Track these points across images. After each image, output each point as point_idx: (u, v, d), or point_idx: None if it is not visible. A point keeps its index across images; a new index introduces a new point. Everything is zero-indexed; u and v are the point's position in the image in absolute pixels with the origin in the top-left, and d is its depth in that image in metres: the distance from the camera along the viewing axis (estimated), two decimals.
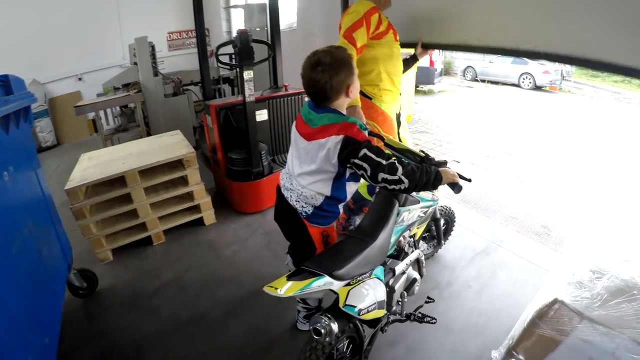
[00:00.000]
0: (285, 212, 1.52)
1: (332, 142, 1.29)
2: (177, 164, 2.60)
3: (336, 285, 1.23)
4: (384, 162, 1.26)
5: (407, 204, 1.63)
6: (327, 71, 1.29)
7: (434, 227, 2.17)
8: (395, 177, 1.26)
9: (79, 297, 2.13)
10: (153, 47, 4.37)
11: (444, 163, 1.53)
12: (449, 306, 2.05)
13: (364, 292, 1.30)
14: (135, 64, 4.32)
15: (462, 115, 7.93)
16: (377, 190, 1.70)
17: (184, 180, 2.63)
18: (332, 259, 1.27)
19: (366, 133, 1.34)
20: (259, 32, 4.28)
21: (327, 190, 1.39)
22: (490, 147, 5.54)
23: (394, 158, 1.30)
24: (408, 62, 2.46)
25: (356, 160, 1.27)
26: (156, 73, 4.22)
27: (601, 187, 4.38)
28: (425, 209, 1.82)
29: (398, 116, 2.40)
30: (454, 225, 2.43)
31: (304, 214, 1.44)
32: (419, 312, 1.72)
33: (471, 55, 19.51)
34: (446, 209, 2.31)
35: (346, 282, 1.27)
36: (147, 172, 2.50)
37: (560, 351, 1.09)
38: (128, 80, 4.46)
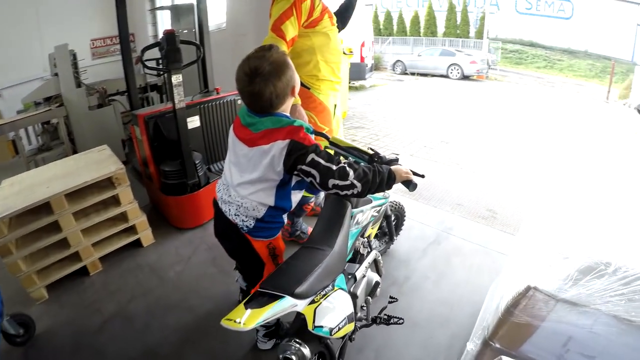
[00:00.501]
0: (224, 228, 1.38)
1: (277, 148, 1.18)
2: (106, 182, 2.34)
3: (300, 305, 1.11)
4: (333, 167, 1.17)
5: (360, 204, 1.56)
6: (268, 80, 1.16)
7: (385, 224, 2.12)
8: (347, 182, 1.17)
9: (17, 346, 1.84)
10: (75, 56, 3.96)
11: (395, 160, 1.46)
12: (410, 301, 2.01)
13: (332, 307, 1.20)
14: (57, 75, 3.90)
15: (395, 108, 8.12)
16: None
17: (115, 200, 2.37)
18: (290, 276, 1.14)
19: (312, 136, 1.23)
20: (186, 34, 4.03)
21: (271, 200, 1.27)
22: (427, 138, 5.70)
23: (344, 161, 1.20)
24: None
25: (304, 167, 1.17)
26: (79, 84, 3.82)
27: (537, 167, 4.65)
28: (378, 208, 1.76)
29: (335, 107, 2.28)
30: (404, 220, 2.41)
31: (245, 228, 1.31)
32: (385, 314, 1.65)
33: (400, 49, 20.40)
34: (396, 204, 2.27)
35: (310, 299, 1.15)
36: (74, 194, 2.22)
37: (538, 335, 1.09)
38: (49, 94, 4.01)
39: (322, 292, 1.20)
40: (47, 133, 4.03)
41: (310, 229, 2.43)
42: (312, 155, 1.16)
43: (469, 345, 1.34)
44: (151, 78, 4.46)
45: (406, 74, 15.75)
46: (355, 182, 1.17)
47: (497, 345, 1.18)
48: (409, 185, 1.36)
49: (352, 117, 6.86)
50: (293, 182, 1.29)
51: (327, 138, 1.62)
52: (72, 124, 3.78)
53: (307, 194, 2.14)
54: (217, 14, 4.26)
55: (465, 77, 15.00)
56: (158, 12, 5.07)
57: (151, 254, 2.46)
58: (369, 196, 1.63)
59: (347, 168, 1.18)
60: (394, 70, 16.39)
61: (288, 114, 1.29)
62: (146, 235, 2.52)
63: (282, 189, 1.27)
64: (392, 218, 2.14)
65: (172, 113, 2.42)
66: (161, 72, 2.44)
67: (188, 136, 2.50)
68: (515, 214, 3.14)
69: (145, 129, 2.55)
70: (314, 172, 1.16)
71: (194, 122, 2.73)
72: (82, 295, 2.19)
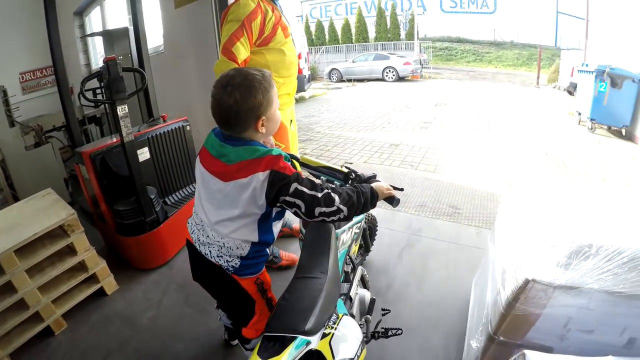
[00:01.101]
0: (206, 271, 1.29)
1: (258, 181, 1.10)
2: (58, 230, 2.13)
3: (314, 341, 1.05)
4: (319, 194, 1.12)
5: (342, 224, 1.53)
6: (236, 92, 1.09)
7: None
8: (333, 208, 1.12)
9: None
10: (5, 92, 3.62)
11: (373, 177, 1.43)
12: (397, 308, 2.01)
13: (344, 337, 1.15)
14: None
15: (339, 116, 8.28)
16: None
17: (70, 249, 2.17)
18: (295, 313, 1.06)
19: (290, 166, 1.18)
20: (122, 61, 3.83)
21: (254, 236, 1.20)
22: (376, 143, 5.84)
23: (326, 187, 1.16)
24: None
25: (287, 198, 1.10)
26: (12, 122, 3.49)
27: (489, 158, 4.91)
28: (359, 224, 1.75)
29: (291, 123, 2.24)
30: (377, 230, 2.42)
31: (231, 269, 1.23)
32: (382, 328, 1.63)
33: (334, 57, 20.90)
34: (369, 216, 2.28)
35: (320, 333, 1.09)
36: (24, 249, 2.00)
37: (541, 322, 1.15)
38: None
39: (329, 323, 1.15)
40: None
41: (282, 252, 2.38)
42: (295, 185, 1.10)
43: (473, 343, 1.36)
44: (88, 110, 4.18)
45: (343, 81, 16.21)
46: (341, 206, 1.13)
47: (502, 339, 1.23)
48: (392, 201, 1.35)
49: (298, 130, 6.70)
50: (274, 214, 1.23)
51: (297, 160, 1.55)
52: (9, 167, 3.42)
53: None
54: (154, 37, 4.08)
55: (400, 79, 15.61)
56: (89, 39, 4.78)
57: (118, 302, 2.27)
58: None
59: (332, 194, 1.14)
60: (330, 78, 16.78)
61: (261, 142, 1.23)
62: (109, 282, 2.33)
63: (265, 222, 1.20)
64: (366, 229, 2.15)
65: (121, 147, 2.26)
66: (103, 104, 2.24)
67: (140, 170, 2.35)
68: (477, 206, 3.28)
69: (92, 167, 2.36)
70: (298, 202, 1.11)
71: (143, 154, 2.55)
72: (51, 358, 1.96)
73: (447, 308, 2.00)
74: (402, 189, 1.44)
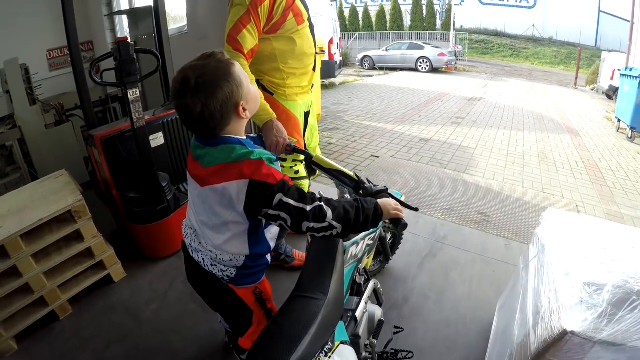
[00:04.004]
0: (200, 277, 1.19)
1: (233, 190, 0.97)
2: (66, 215, 2.08)
3: None
4: (307, 207, 0.97)
5: (352, 235, 1.36)
6: (199, 95, 0.93)
7: (379, 244, 1.96)
8: (324, 224, 0.98)
9: None
10: (27, 70, 3.61)
11: (383, 191, 1.27)
12: (413, 325, 1.86)
13: None
14: (8, 92, 3.55)
15: (368, 106, 8.00)
16: None
17: (78, 235, 2.12)
18: (282, 342, 0.93)
19: (278, 166, 1.05)
20: (145, 41, 3.73)
21: (245, 249, 1.09)
22: (405, 136, 5.59)
23: (319, 199, 1.01)
24: None
25: (270, 211, 0.96)
26: (33, 101, 3.49)
27: (526, 163, 4.62)
28: (373, 235, 1.57)
29: (307, 115, 2.02)
30: (402, 238, 2.22)
31: (226, 278, 1.12)
32: (391, 349, 1.48)
33: (367, 44, 20.46)
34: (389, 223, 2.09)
35: None
36: (31, 233, 1.96)
37: None
38: (1, 114, 3.62)
39: (321, 353, 1.00)
40: (1, 158, 3.67)
41: (295, 252, 2.25)
42: (279, 197, 0.95)
43: None
44: (112, 88, 4.10)
45: (375, 68, 15.88)
46: (334, 223, 0.99)
47: None
48: (399, 224, 1.19)
49: (325, 118, 6.67)
50: (264, 222, 1.10)
51: (309, 156, 1.41)
52: (29, 145, 3.44)
53: None
54: (180, 17, 3.96)
55: (434, 70, 15.15)
56: (116, 17, 4.73)
57: (124, 291, 2.22)
58: None
59: (325, 207, 0.99)
60: (362, 65, 16.47)
61: (242, 136, 1.07)
62: (116, 270, 2.28)
63: (255, 233, 1.09)
64: (388, 237, 1.98)
65: (132, 132, 2.17)
66: (115, 86, 2.15)
67: (152, 157, 2.25)
68: (507, 214, 3.06)
69: (103, 150, 2.29)
70: (283, 215, 0.96)
71: (157, 139, 2.47)
72: (53, 344, 1.94)
73: (466, 331, 1.84)
74: (416, 209, 1.29)
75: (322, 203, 1.00)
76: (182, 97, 0.94)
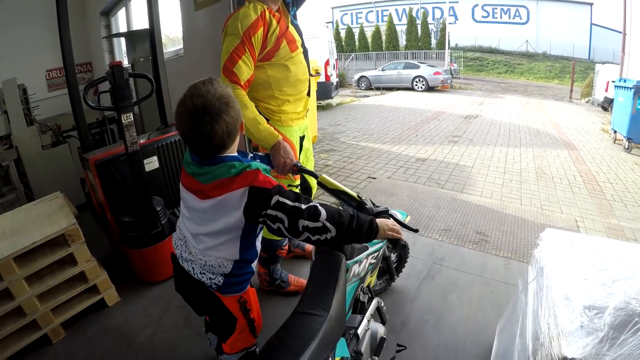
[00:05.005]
0: (189, 286, 1.26)
1: (235, 198, 1.06)
2: (60, 238, 2.06)
3: None
4: (302, 206, 1.04)
5: (355, 254, 1.37)
6: (220, 118, 1.03)
7: (384, 264, 1.96)
8: (318, 224, 1.03)
9: None
10: (25, 91, 3.65)
11: (384, 212, 1.31)
12: (411, 349, 1.81)
13: None
14: (6, 112, 3.56)
15: (365, 126, 8.02)
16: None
17: (71, 258, 2.09)
18: (284, 356, 0.93)
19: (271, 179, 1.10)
20: (143, 63, 3.75)
21: (235, 253, 1.16)
22: (401, 156, 5.59)
23: (313, 202, 1.07)
24: None
25: (269, 211, 1.04)
26: (31, 121, 3.51)
27: (523, 182, 4.61)
28: (376, 253, 1.57)
29: (302, 139, 2.04)
30: (407, 258, 2.20)
31: (214, 286, 1.19)
32: None
33: (363, 65, 20.75)
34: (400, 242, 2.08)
35: None
36: (25, 256, 1.94)
37: None
38: None
39: None
40: None
41: (291, 277, 2.22)
42: (276, 198, 1.04)
43: None
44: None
45: (371, 89, 16.05)
46: (327, 224, 1.03)
47: None
48: (397, 245, 1.20)
49: (322, 139, 6.68)
50: (258, 229, 1.19)
51: (315, 177, 1.46)
52: (25, 166, 3.44)
53: (275, 237, 1.89)
54: (179, 39, 4.00)
55: (430, 88, 15.32)
56: (115, 40, 4.79)
57: (118, 316, 2.17)
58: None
59: (319, 207, 1.05)
60: (358, 86, 16.67)
61: (236, 154, 1.17)
62: (110, 294, 2.24)
63: (247, 238, 1.16)
64: (393, 257, 1.98)
65: (126, 156, 2.17)
66: (109, 110, 2.15)
67: (146, 181, 2.24)
68: (506, 233, 3.04)
69: (97, 174, 2.29)
70: (280, 215, 1.03)
71: (152, 163, 2.48)
72: None
73: (466, 354, 1.80)
74: (416, 230, 1.30)
75: (317, 204, 1.07)
76: (202, 122, 1.01)
